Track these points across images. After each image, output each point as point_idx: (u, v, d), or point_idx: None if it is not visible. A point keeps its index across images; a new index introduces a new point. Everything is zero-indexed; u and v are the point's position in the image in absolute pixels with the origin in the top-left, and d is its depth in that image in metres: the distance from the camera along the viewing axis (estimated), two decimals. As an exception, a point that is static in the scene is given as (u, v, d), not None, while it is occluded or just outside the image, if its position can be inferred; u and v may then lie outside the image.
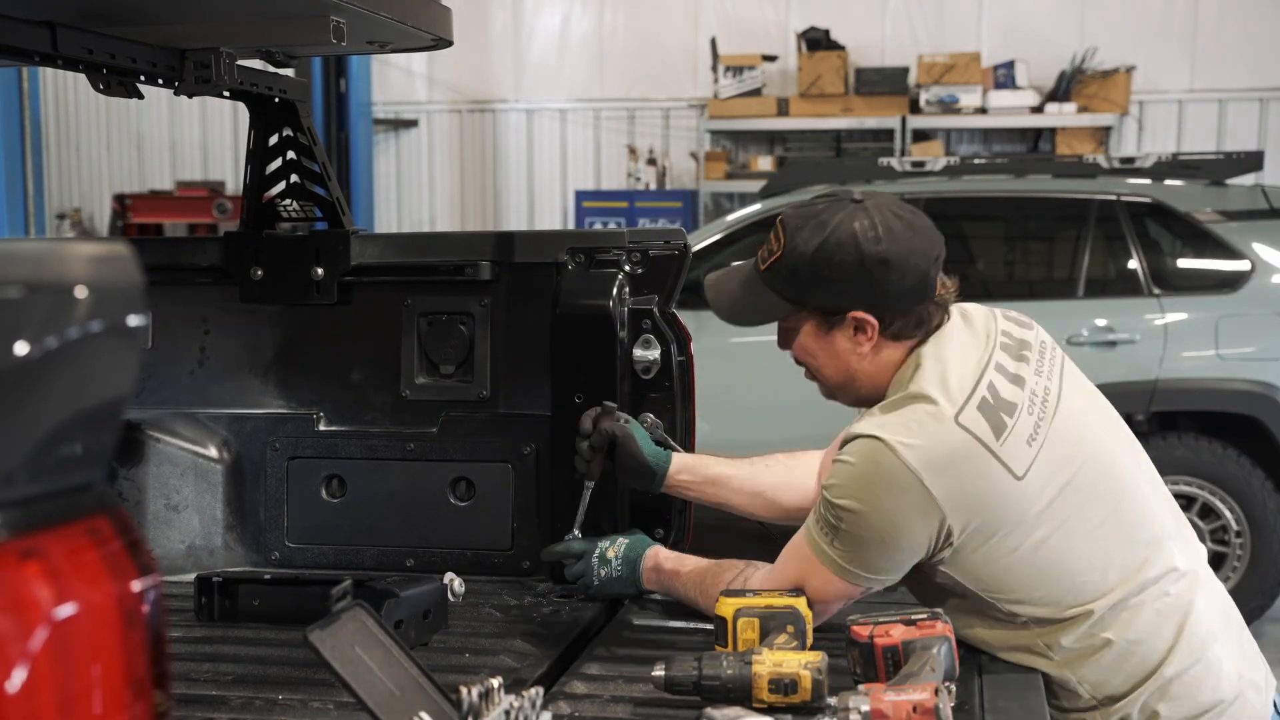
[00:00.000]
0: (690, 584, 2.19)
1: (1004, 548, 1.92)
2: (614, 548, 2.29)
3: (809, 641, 1.91)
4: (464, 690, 1.49)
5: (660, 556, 2.28)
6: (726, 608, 1.93)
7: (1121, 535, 1.98)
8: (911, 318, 1.99)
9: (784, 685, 1.71)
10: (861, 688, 1.64)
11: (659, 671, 1.78)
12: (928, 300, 1.99)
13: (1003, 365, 1.99)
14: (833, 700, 1.66)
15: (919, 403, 1.92)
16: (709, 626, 2.00)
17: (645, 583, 2.27)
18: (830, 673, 1.75)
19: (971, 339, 2.03)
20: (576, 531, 2.33)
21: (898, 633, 1.78)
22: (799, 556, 2.01)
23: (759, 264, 2.05)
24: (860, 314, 1.97)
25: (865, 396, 2.06)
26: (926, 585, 2.01)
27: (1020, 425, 1.92)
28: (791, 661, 1.73)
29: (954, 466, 1.88)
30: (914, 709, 1.60)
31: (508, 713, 1.52)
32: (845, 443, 1.97)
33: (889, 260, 1.94)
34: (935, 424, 1.90)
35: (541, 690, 1.61)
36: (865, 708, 1.59)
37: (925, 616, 1.81)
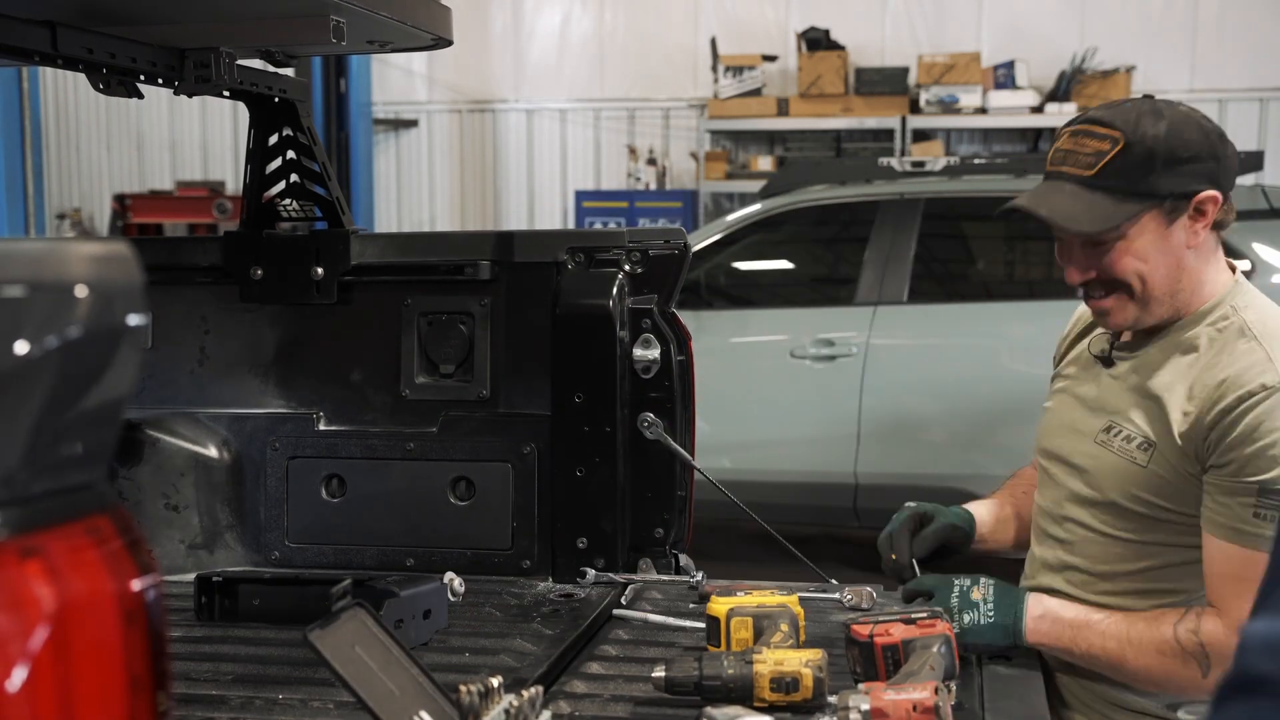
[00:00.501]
0: (1110, 634, 1.89)
1: None
2: (979, 589, 1.95)
3: (802, 639, 1.91)
4: (464, 690, 1.50)
5: (1050, 603, 1.95)
6: (719, 607, 1.93)
7: None
8: (1231, 201, 1.93)
9: (785, 683, 1.72)
10: (861, 686, 1.64)
11: (659, 673, 1.78)
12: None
13: None
14: (833, 699, 1.66)
15: (1265, 311, 1.88)
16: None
17: (1029, 635, 1.93)
18: (828, 670, 1.76)
19: None
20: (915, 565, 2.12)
21: (898, 631, 1.78)
22: (1251, 565, 1.75)
23: (1083, 170, 1.90)
24: (1208, 193, 1.88)
25: (1182, 303, 1.95)
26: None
27: None
28: (792, 660, 1.73)
29: None
30: (914, 707, 1.60)
31: (508, 712, 1.52)
32: (1241, 401, 1.81)
33: (1224, 134, 1.91)
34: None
35: (541, 690, 1.61)
36: (865, 706, 1.59)
37: (925, 615, 1.81)
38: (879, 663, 1.78)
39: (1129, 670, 1.90)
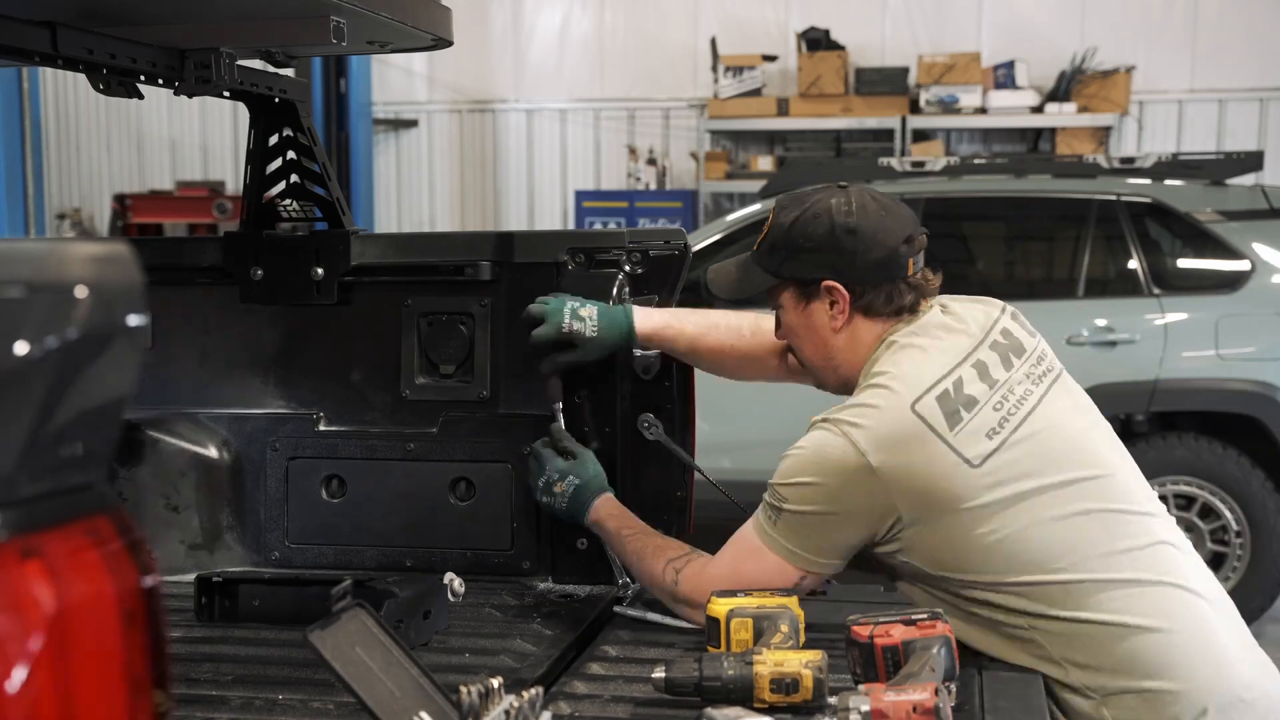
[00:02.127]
0: (630, 553, 2.24)
1: (958, 529, 1.94)
2: (562, 483, 2.32)
3: (802, 640, 1.91)
4: (464, 690, 1.50)
5: (604, 512, 2.30)
6: (719, 608, 1.93)
7: (1104, 528, 1.98)
8: (881, 293, 2.08)
9: (786, 684, 1.72)
10: (861, 688, 1.64)
11: (659, 674, 1.78)
12: (898, 279, 2.08)
13: (982, 362, 2.04)
14: (833, 700, 1.66)
15: (875, 390, 2.01)
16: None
17: (587, 523, 2.32)
18: (829, 671, 1.76)
19: (949, 332, 2.08)
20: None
21: (898, 633, 1.78)
22: (741, 542, 2.08)
23: (753, 250, 2.20)
24: (831, 282, 2.08)
25: (845, 379, 2.15)
26: (897, 569, 2.06)
27: (980, 418, 1.97)
28: (793, 661, 1.73)
29: (901, 446, 1.94)
30: (914, 708, 1.60)
31: (507, 713, 1.52)
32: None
33: (856, 230, 2.05)
34: (887, 407, 1.97)
35: (541, 690, 1.61)
36: (865, 708, 1.59)
37: (925, 616, 1.81)
38: (879, 664, 1.78)
39: (635, 577, 2.31)
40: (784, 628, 1.88)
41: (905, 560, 2.01)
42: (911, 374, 2.00)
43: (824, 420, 2.01)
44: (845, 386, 2.16)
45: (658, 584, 2.18)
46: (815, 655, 1.75)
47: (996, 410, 1.98)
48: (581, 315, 2.32)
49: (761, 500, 2.07)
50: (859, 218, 2.06)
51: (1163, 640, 1.93)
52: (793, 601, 1.93)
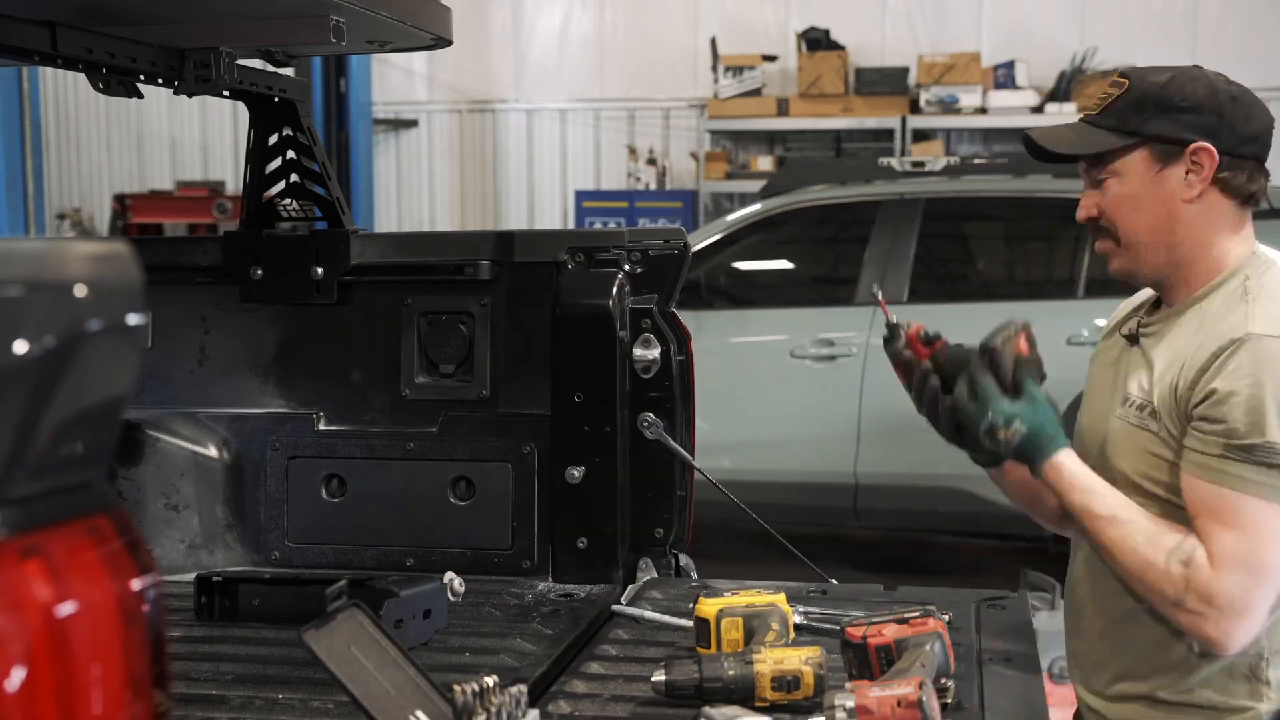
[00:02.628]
0: (1115, 523, 1.89)
1: None
2: (1008, 430, 1.92)
3: (791, 637, 1.92)
4: (459, 690, 1.50)
5: (1076, 469, 1.93)
6: (709, 609, 1.93)
7: None
8: (1245, 170, 1.94)
9: (787, 682, 1.72)
10: (848, 685, 1.65)
11: (659, 676, 1.78)
12: (1263, 165, 1.95)
13: None
14: (826, 692, 1.66)
15: None
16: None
17: (1044, 477, 1.94)
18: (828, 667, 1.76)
19: None
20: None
21: (890, 631, 1.79)
22: (1245, 513, 1.80)
23: (1091, 112, 2.01)
24: (1204, 145, 1.91)
25: (1178, 259, 1.97)
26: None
27: None
28: (792, 658, 1.74)
29: None
30: (898, 703, 1.61)
31: (489, 710, 1.52)
32: (1220, 351, 1.84)
33: (1238, 97, 1.94)
34: None
35: (525, 688, 1.61)
36: (850, 704, 1.59)
37: (918, 614, 1.82)
38: (873, 663, 1.78)
39: (1116, 566, 1.91)
40: (775, 625, 1.88)
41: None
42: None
43: (1253, 335, 1.82)
44: (1170, 268, 1.98)
45: (1151, 585, 1.86)
46: (814, 651, 1.75)
47: None
48: (1000, 437, 1.93)
49: (1214, 446, 1.81)
50: (1239, 90, 1.95)
51: None
52: (780, 599, 1.93)
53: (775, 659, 1.73)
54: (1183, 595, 1.83)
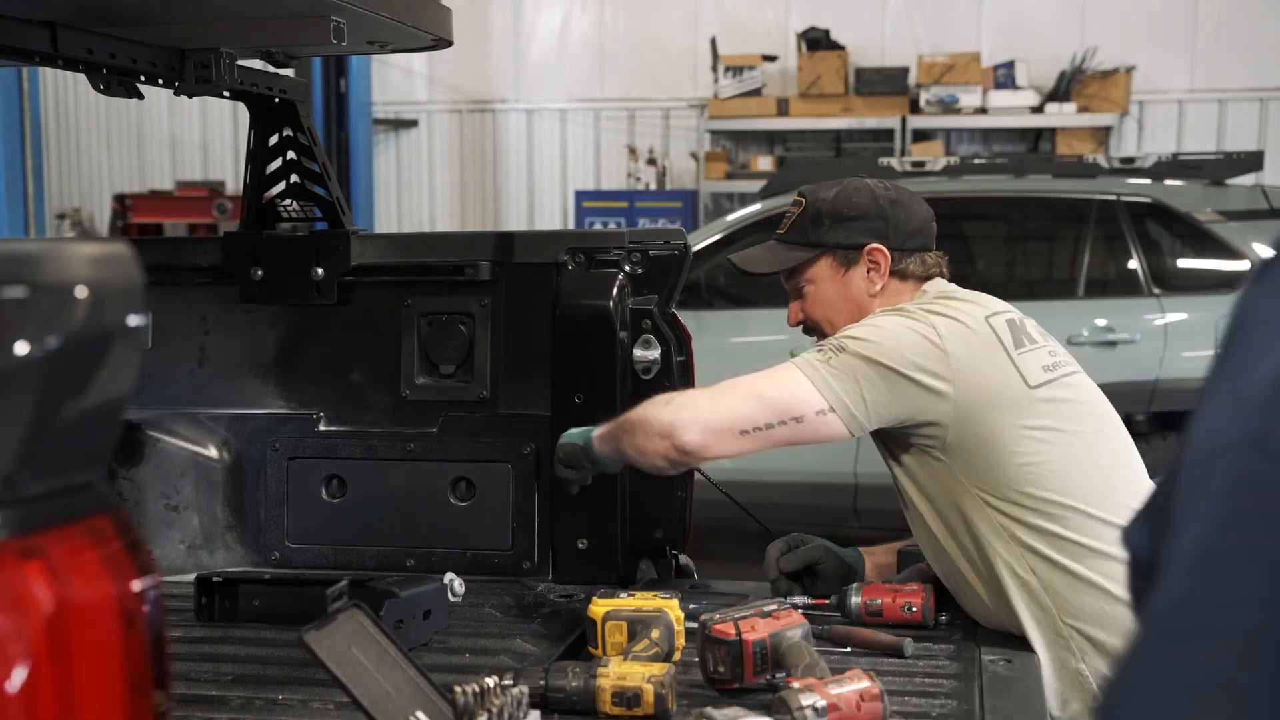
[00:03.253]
0: (627, 425, 2.11)
1: (1002, 439, 2.00)
2: (563, 446, 2.23)
3: (679, 644, 1.91)
4: (459, 690, 1.50)
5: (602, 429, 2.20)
6: (597, 610, 1.94)
7: (1126, 484, 2.07)
8: (917, 259, 2.23)
9: (627, 698, 1.70)
10: (796, 684, 1.64)
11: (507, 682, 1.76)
12: (930, 249, 2.25)
13: (1020, 321, 2.16)
14: (782, 694, 1.65)
15: (949, 301, 2.13)
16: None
17: (600, 451, 2.17)
18: (680, 683, 1.76)
19: (977, 294, 2.22)
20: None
21: (762, 626, 1.80)
22: (775, 367, 2.06)
23: (780, 231, 2.30)
24: (876, 246, 2.20)
25: None
26: (917, 476, 2.10)
27: (1036, 355, 2.09)
28: (635, 674, 1.72)
29: (975, 346, 2.04)
30: (861, 697, 1.62)
31: (490, 710, 1.52)
32: None
33: (898, 200, 2.25)
34: (964, 312, 2.09)
35: (526, 689, 1.61)
36: (821, 703, 1.59)
37: (776, 607, 1.85)
38: (748, 660, 1.78)
39: (626, 428, 2.10)
40: (654, 633, 1.87)
41: (937, 458, 2.05)
42: (976, 299, 2.16)
43: (897, 310, 2.10)
44: None
45: (654, 402, 2.09)
46: (660, 669, 1.73)
47: (1051, 356, 2.12)
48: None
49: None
50: (896, 193, 2.26)
51: None
52: (671, 605, 1.93)
53: (619, 674, 1.72)
54: (671, 399, 2.07)
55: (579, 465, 2.20)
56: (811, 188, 2.29)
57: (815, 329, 2.28)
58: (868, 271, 2.21)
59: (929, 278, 2.23)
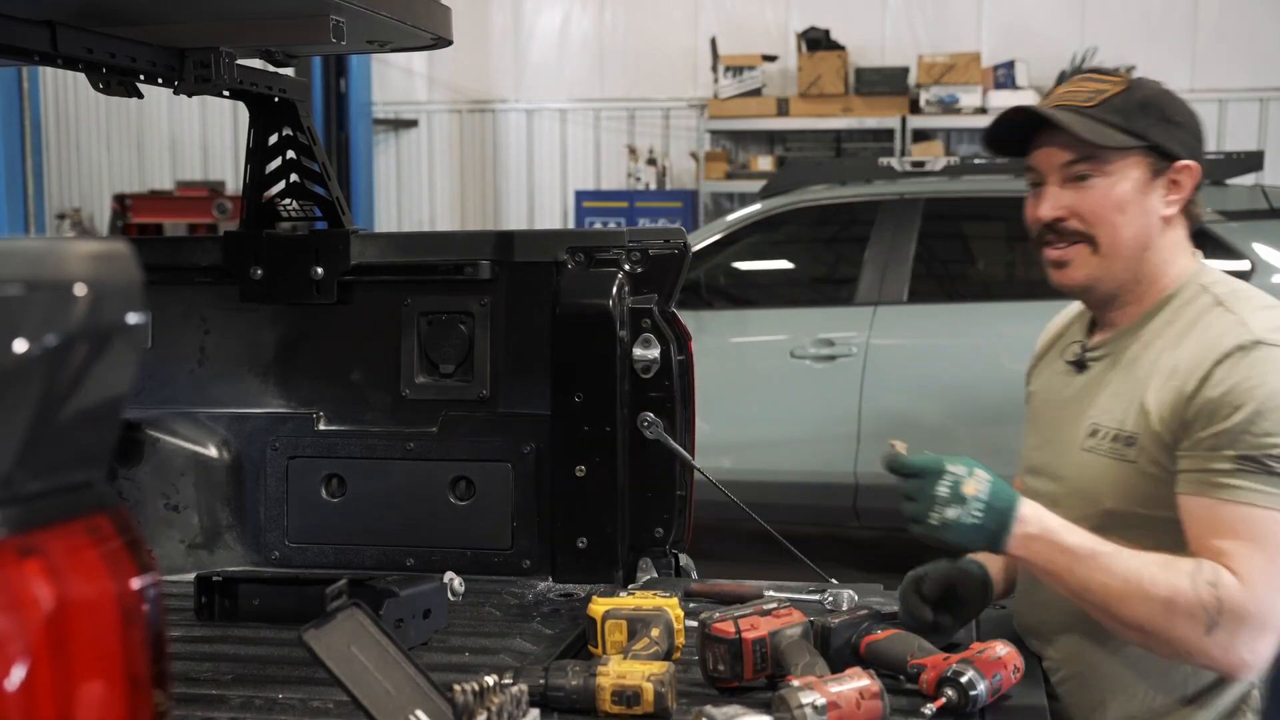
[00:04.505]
0: (1117, 571, 1.74)
1: None
2: (973, 483, 1.74)
3: (679, 642, 1.92)
4: (459, 689, 1.50)
5: (1051, 522, 1.77)
6: (596, 609, 1.94)
7: None
8: (1201, 197, 1.94)
9: (626, 697, 1.70)
10: (796, 682, 1.64)
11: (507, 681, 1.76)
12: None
13: None
14: (782, 692, 1.65)
15: (1250, 294, 1.86)
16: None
17: (1012, 548, 1.76)
18: (681, 681, 1.76)
19: None
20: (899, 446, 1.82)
21: (763, 625, 1.80)
22: (1260, 528, 1.70)
23: (1083, 103, 1.89)
24: (1192, 164, 1.89)
25: (1143, 274, 1.92)
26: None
27: None
28: (635, 673, 1.72)
29: None
30: (861, 695, 1.62)
31: (489, 709, 1.52)
32: (1217, 364, 1.76)
33: (1202, 131, 1.94)
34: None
35: (526, 688, 1.61)
36: (821, 701, 1.60)
37: (776, 605, 1.84)
38: (748, 658, 1.78)
39: (1123, 612, 1.75)
40: (654, 632, 1.88)
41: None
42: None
43: (1263, 343, 1.75)
44: (1132, 283, 1.92)
45: (1180, 612, 1.72)
46: (660, 668, 1.73)
47: None
48: (963, 494, 1.75)
49: (1206, 473, 1.74)
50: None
51: None
52: (671, 603, 1.93)
53: (618, 673, 1.72)
54: (1216, 618, 1.70)
55: (948, 504, 1.74)
56: (1140, 78, 1.95)
57: (1079, 232, 1.90)
58: (1167, 192, 1.89)
59: (1199, 229, 1.97)
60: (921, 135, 9.05)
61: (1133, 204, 1.88)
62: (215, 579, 2.28)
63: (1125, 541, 1.79)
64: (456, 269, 2.57)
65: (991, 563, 2.06)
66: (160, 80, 2.43)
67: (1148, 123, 1.87)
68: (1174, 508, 1.81)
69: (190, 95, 2.46)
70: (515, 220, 10.38)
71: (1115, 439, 1.88)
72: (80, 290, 0.81)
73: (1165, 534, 1.81)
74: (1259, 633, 1.72)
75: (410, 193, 10.70)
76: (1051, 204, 1.92)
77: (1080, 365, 2.02)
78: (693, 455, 2.51)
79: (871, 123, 9.04)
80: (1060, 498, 1.93)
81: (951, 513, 1.73)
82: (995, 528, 1.74)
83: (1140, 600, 1.73)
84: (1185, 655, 1.77)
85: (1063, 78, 8.87)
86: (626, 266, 2.49)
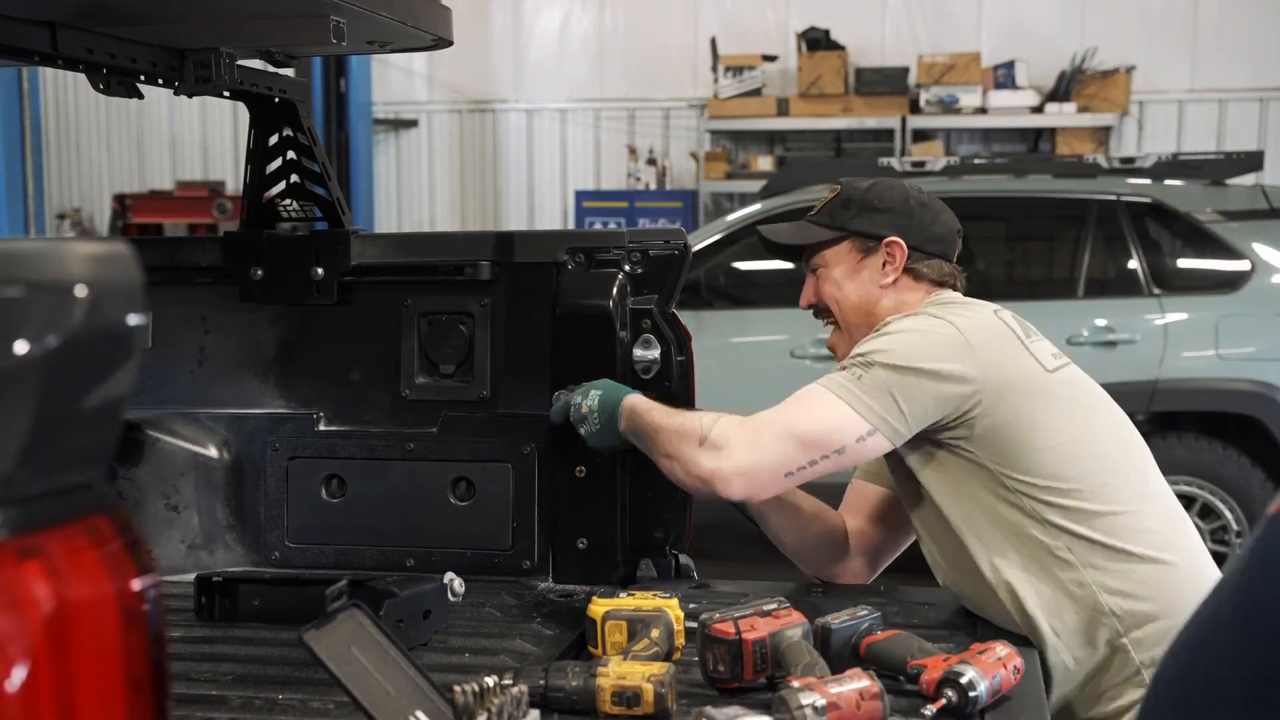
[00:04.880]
0: (666, 429, 2.16)
1: (1028, 421, 2.05)
2: (586, 402, 2.27)
3: (679, 643, 1.91)
4: (459, 690, 1.50)
5: (639, 403, 2.24)
6: (596, 609, 1.94)
7: (1140, 476, 2.15)
8: (935, 265, 2.27)
9: (627, 698, 1.70)
10: (796, 683, 1.64)
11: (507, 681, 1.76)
12: (949, 260, 2.29)
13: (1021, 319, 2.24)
14: (782, 693, 1.65)
15: (952, 306, 2.19)
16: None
17: (623, 431, 2.24)
18: (681, 682, 1.76)
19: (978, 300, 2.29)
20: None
21: (763, 625, 1.80)
22: (804, 394, 2.10)
23: (811, 213, 2.37)
24: (895, 240, 2.25)
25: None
26: (939, 474, 2.12)
27: (1044, 344, 2.18)
28: (635, 674, 1.72)
29: (992, 336, 2.10)
30: (861, 696, 1.62)
31: (489, 710, 1.52)
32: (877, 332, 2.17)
33: (927, 204, 2.30)
34: (974, 311, 2.16)
35: (526, 689, 1.61)
36: (821, 702, 1.59)
37: (775, 606, 1.84)
38: (748, 659, 1.78)
39: (663, 449, 2.15)
40: (654, 633, 1.88)
41: (964, 453, 2.07)
42: (978, 302, 2.23)
43: (909, 315, 2.15)
44: None
45: (686, 435, 2.11)
46: (660, 668, 1.73)
47: (1054, 348, 2.19)
48: (583, 414, 2.28)
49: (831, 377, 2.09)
50: (928, 199, 2.32)
51: (1188, 577, 2.05)
52: (671, 604, 1.93)
53: (619, 674, 1.72)
54: (704, 437, 2.08)
55: (581, 423, 2.26)
56: (850, 179, 2.39)
57: (824, 311, 2.34)
58: (883, 264, 2.26)
59: (942, 284, 2.28)
60: (921, 135, 9.06)
61: (850, 281, 2.29)
62: (215, 579, 2.28)
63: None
64: (456, 269, 2.57)
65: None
66: (160, 80, 2.43)
67: (848, 216, 2.29)
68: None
69: (190, 95, 2.46)
70: (515, 220, 10.38)
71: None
72: (81, 291, 0.81)
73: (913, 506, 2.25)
74: (723, 452, 2.05)
75: (410, 193, 10.70)
76: (804, 294, 2.38)
77: None
78: (693, 455, 2.51)
79: (871, 123, 9.05)
80: None
81: (584, 428, 2.26)
82: (608, 422, 2.23)
83: (670, 437, 2.13)
84: (684, 473, 2.12)
85: (1063, 78, 8.88)
86: (627, 267, 2.49)
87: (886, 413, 2.02)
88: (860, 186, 2.31)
